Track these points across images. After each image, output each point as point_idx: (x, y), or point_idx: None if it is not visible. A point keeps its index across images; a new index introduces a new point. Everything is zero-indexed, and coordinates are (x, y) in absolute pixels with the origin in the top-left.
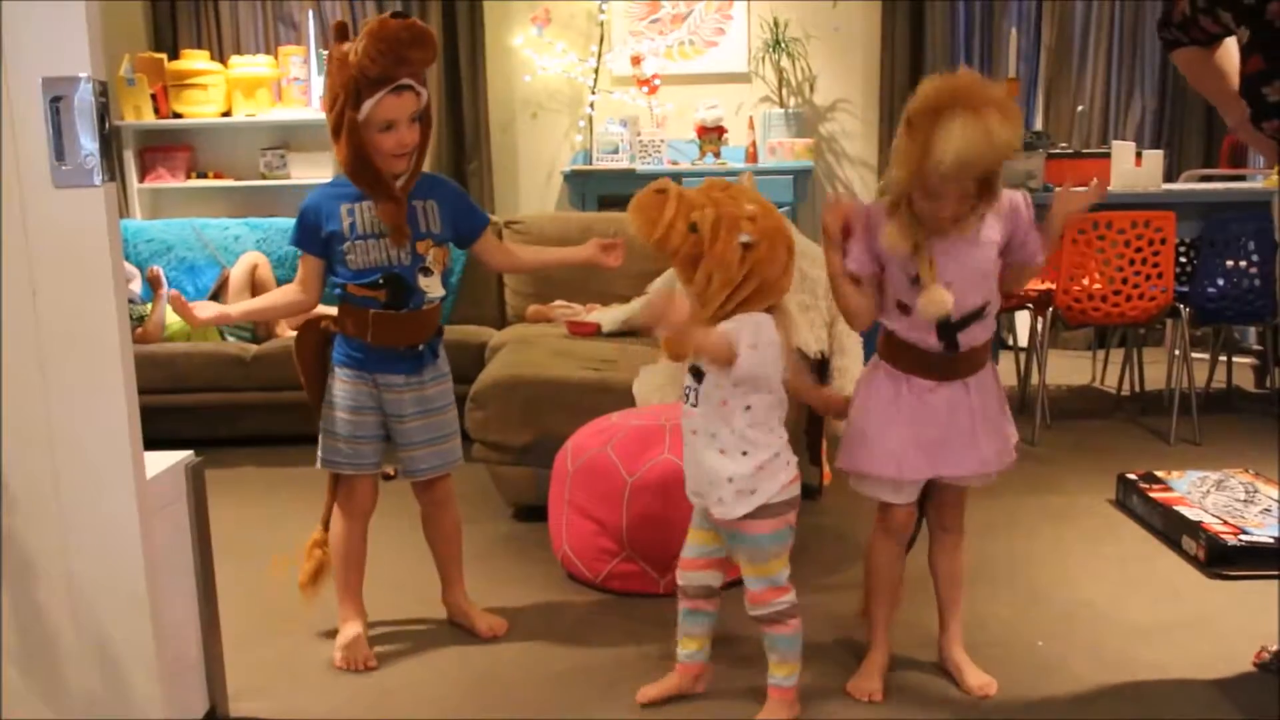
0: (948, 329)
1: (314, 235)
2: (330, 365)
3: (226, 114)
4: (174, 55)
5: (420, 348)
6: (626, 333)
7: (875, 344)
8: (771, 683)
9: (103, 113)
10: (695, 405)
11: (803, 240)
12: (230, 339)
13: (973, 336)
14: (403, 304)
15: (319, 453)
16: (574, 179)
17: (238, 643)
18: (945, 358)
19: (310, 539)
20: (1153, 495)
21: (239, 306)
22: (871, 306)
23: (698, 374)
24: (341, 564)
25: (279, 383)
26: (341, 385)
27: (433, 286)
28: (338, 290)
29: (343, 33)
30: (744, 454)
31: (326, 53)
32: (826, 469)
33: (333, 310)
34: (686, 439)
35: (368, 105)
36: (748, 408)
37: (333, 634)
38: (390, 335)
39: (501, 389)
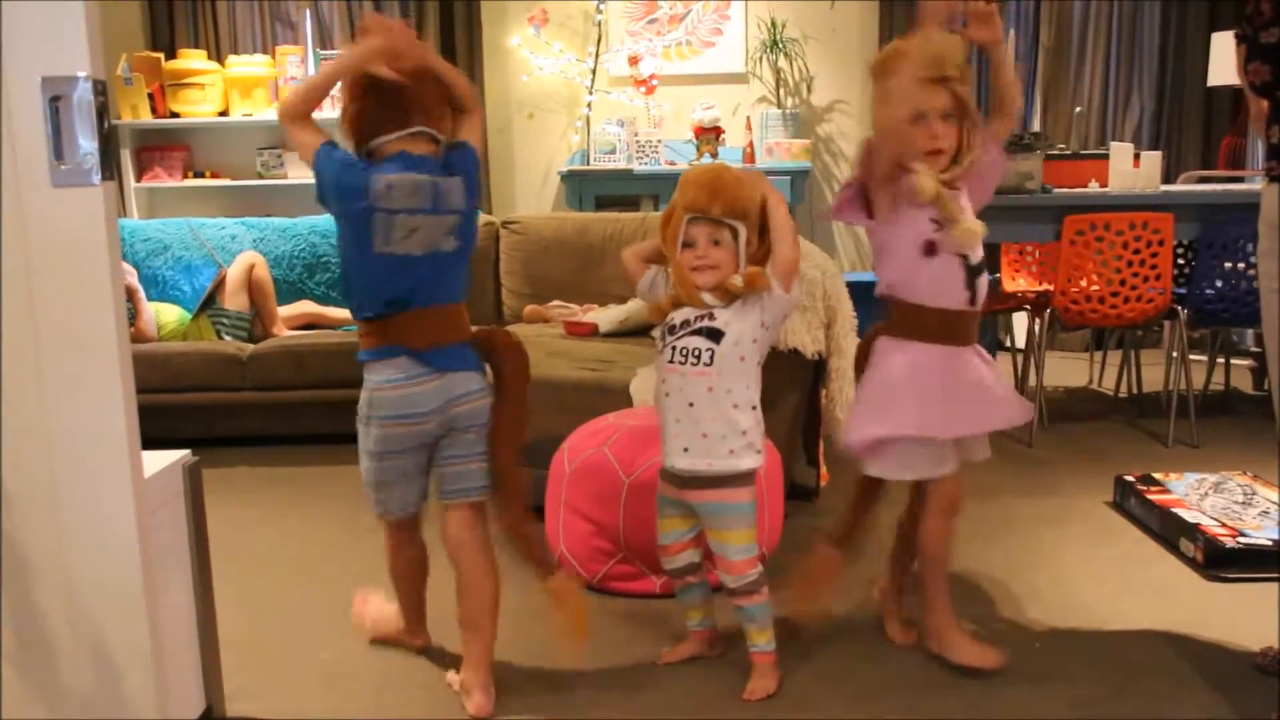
0: (972, 272)
1: None
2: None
3: (223, 113)
4: (171, 55)
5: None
6: (623, 333)
7: (866, 330)
8: (755, 650)
9: (102, 112)
10: (711, 364)
11: (801, 241)
12: (227, 338)
13: (982, 288)
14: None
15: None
16: (571, 179)
17: (234, 643)
18: (967, 316)
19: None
20: (1150, 497)
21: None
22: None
23: (714, 335)
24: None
25: (275, 382)
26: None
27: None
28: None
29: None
30: (753, 408)
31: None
32: (824, 470)
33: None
34: (696, 398)
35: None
36: (758, 363)
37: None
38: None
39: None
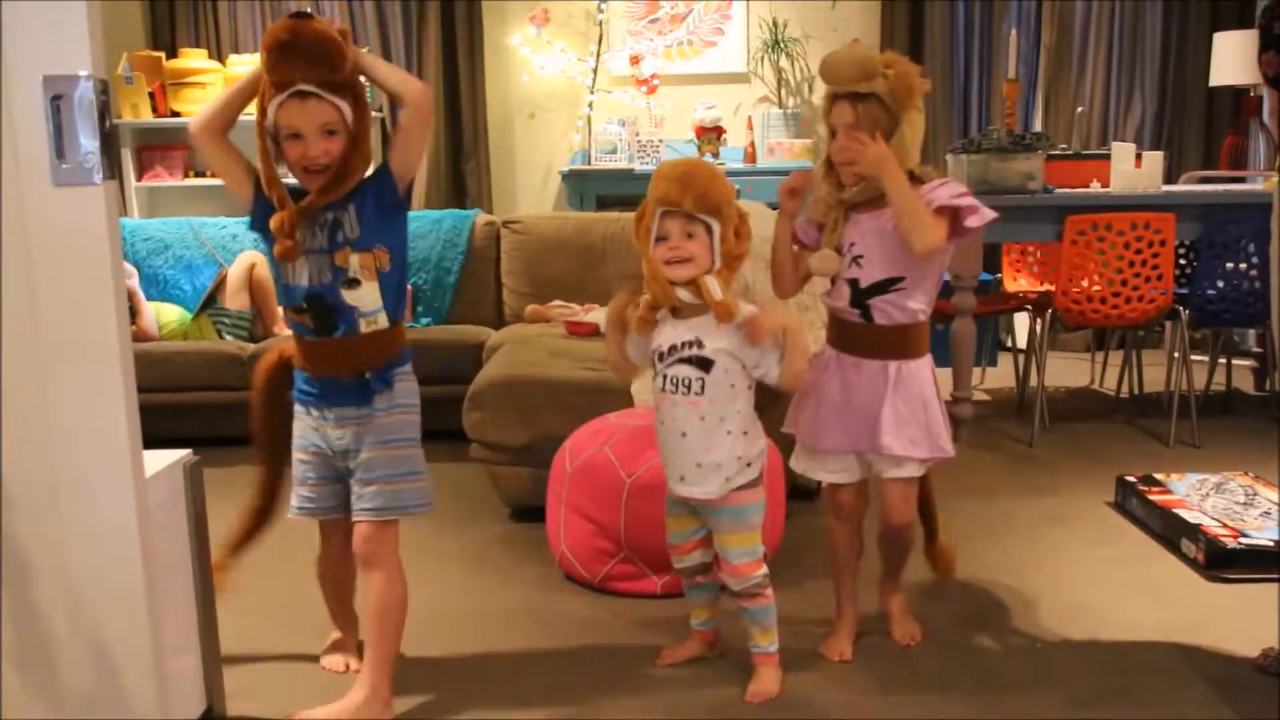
0: (858, 295)
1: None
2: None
3: None
4: (172, 54)
5: (366, 376)
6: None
7: None
8: (757, 650)
9: (103, 111)
10: (702, 393)
11: None
12: (228, 337)
13: (889, 311)
14: (332, 328)
15: (292, 501)
16: (572, 179)
17: (235, 642)
18: (865, 329)
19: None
20: (1151, 498)
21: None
22: (794, 273)
23: (703, 364)
24: (329, 591)
25: None
26: (296, 423)
27: (364, 299)
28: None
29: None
30: (745, 433)
31: None
32: None
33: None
34: (689, 428)
35: (270, 108)
36: (749, 387)
37: (327, 635)
38: (324, 366)
39: (499, 389)
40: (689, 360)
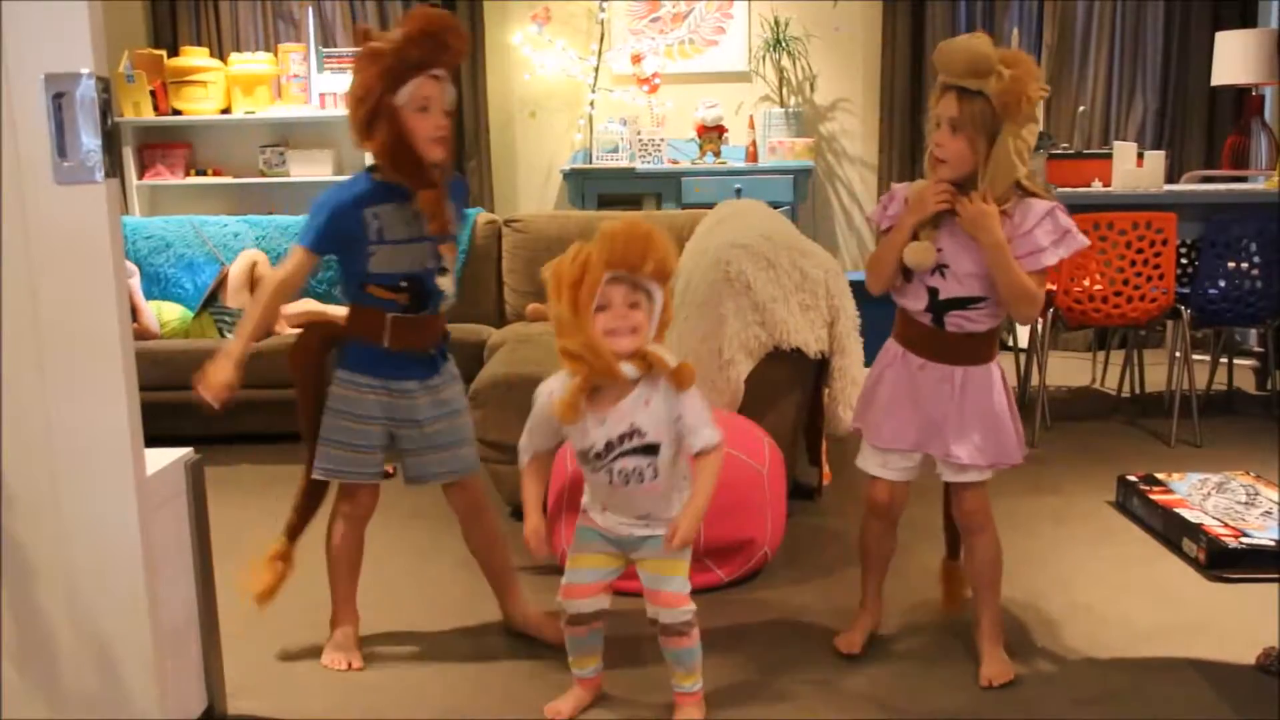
0: (936, 305)
1: (332, 237)
2: (329, 372)
3: (226, 111)
4: (173, 52)
5: (433, 351)
6: None
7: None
8: (681, 691)
9: (105, 109)
10: (656, 477)
11: (804, 240)
12: (229, 336)
13: (962, 322)
14: (422, 307)
15: (317, 462)
16: (573, 178)
17: (236, 641)
18: (936, 334)
19: (271, 551)
20: (1153, 497)
21: (242, 334)
22: (894, 270)
23: (649, 450)
24: (342, 569)
25: (277, 380)
26: (348, 393)
27: (447, 286)
28: (349, 293)
29: (367, 34)
30: (686, 478)
31: (357, 51)
32: (826, 469)
33: (332, 310)
34: (651, 507)
35: (406, 88)
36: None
37: (328, 633)
38: (408, 339)
39: (500, 387)
40: (634, 451)
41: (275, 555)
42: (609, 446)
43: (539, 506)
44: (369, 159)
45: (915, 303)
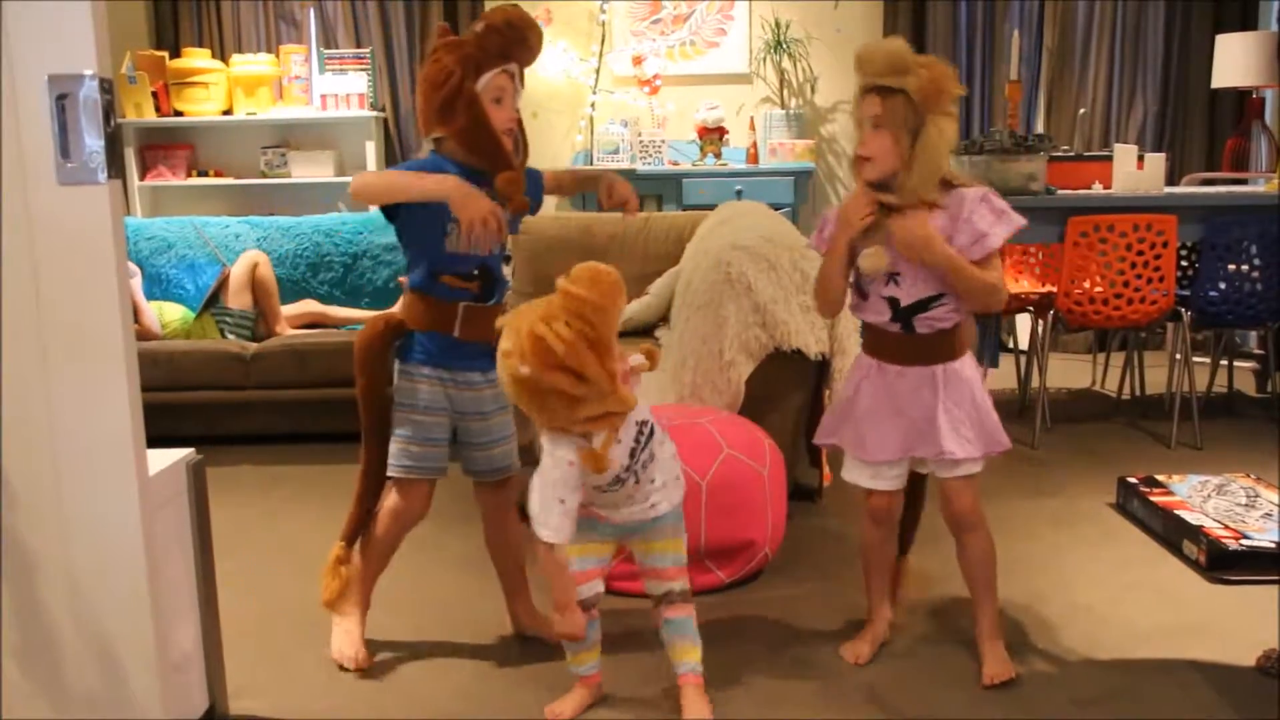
0: (900, 313)
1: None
2: (391, 367)
3: (227, 112)
4: (175, 53)
5: (495, 342)
6: (626, 332)
7: None
8: (685, 670)
9: (107, 110)
10: (655, 433)
11: (804, 242)
12: (230, 337)
13: (932, 322)
14: (490, 295)
15: (392, 460)
16: None
17: (238, 640)
18: (909, 340)
19: (332, 556)
20: (1153, 499)
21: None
22: (844, 286)
23: (650, 426)
24: (372, 563)
25: (278, 381)
26: (418, 386)
27: (509, 274)
28: (421, 283)
29: (446, 31)
30: (674, 456)
31: (437, 41)
32: (826, 471)
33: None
34: (661, 468)
35: (484, 78)
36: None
37: (330, 633)
38: (478, 329)
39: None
40: (646, 439)
41: (336, 560)
42: (632, 455)
43: (575, 597)
44: (427, 146)
45: (878, 316)
